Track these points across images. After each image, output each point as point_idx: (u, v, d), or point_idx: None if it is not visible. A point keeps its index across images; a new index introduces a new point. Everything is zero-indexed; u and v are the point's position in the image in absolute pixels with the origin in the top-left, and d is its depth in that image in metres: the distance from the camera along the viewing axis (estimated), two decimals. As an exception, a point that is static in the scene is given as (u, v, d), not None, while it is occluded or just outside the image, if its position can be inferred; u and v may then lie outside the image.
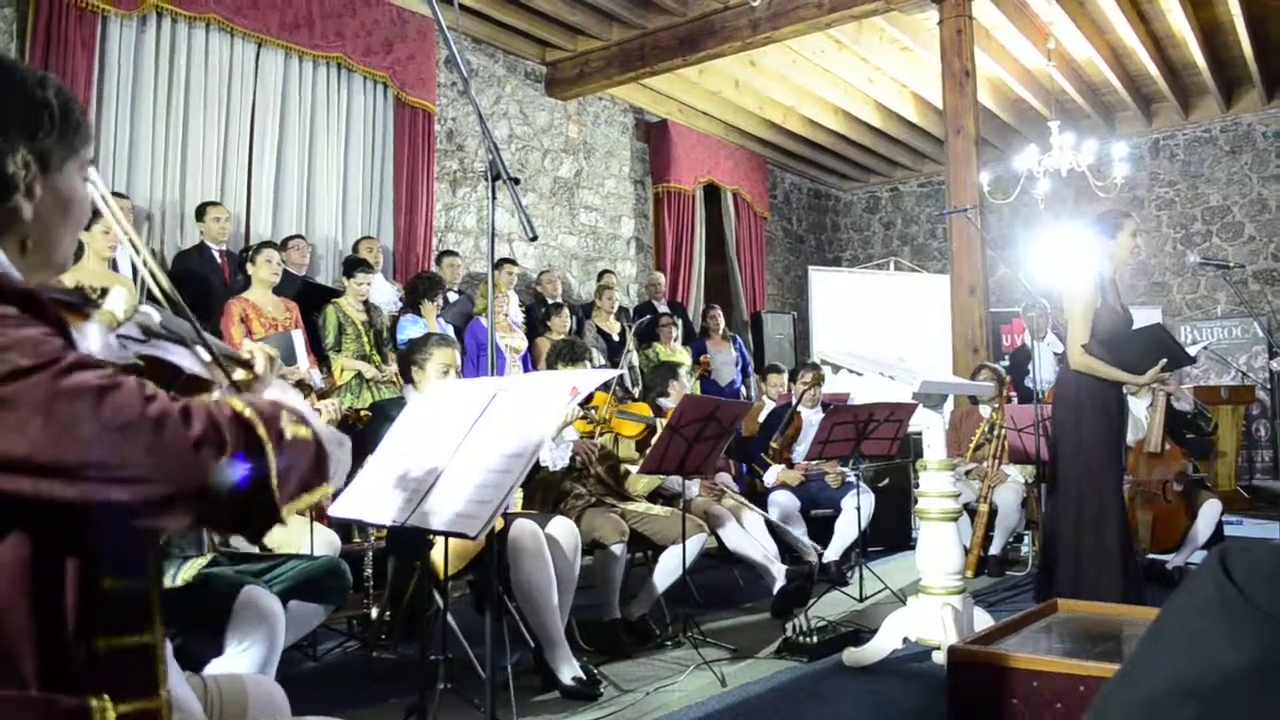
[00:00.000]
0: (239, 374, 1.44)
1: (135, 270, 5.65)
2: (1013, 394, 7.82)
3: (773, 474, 5.96)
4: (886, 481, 6.64)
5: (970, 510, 5.93)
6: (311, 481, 1.13)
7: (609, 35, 8.91)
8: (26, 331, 0.99)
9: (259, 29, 6.94)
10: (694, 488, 4.95)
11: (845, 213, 14.30)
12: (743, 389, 9.13)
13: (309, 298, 6.23)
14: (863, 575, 5.27)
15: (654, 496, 4.78)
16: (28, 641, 1.00)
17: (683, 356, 8.25)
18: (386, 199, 7.93)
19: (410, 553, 3.57)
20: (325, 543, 3.87)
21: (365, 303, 6.27)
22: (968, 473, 6.21)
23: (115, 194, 5.86)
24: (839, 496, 5.83)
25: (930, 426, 3.81)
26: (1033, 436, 5.65)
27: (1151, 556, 5.69)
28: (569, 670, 3.50)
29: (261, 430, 1.05)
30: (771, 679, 3.73)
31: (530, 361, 7.24)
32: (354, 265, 6.34)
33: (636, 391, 5.17)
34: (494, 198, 2.70)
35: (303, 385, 4.17)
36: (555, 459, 4.07)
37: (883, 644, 3.78)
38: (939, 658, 3.54)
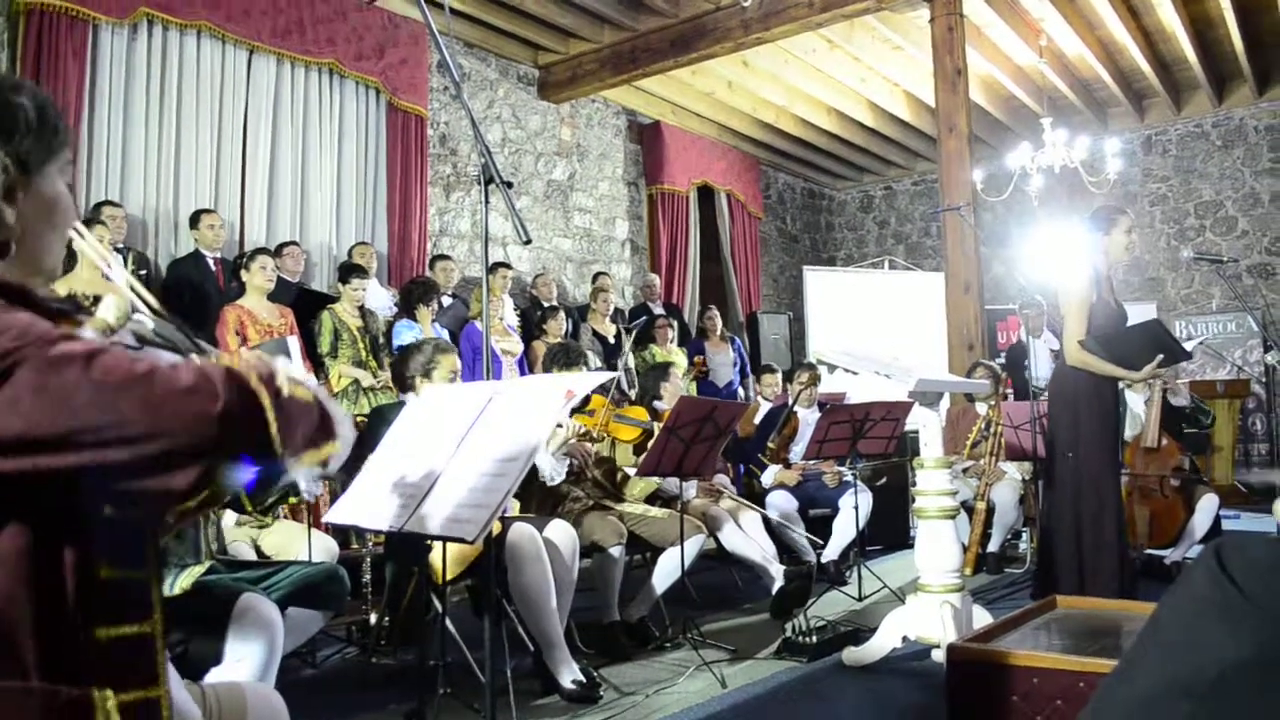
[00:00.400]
0: None
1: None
2: (1009, 391, 7.83)
3: (770, 474, 5.96)
4: (884, 480, 6.64)
5: (968, 508, 5.93)
6: (319, 438, 1.13)
7: (601, 38, 8.91)
8: (14, 316, 1.00)
9: (250, 35, 6.94)
10: (691, 489, 4.95)
11: (839, 212, 14.32)
12: (741, 390, 9.13)
13: (304, 304, 6.22)
14: (861, 574, 5.27)
15: (652, 498, 4.79)
16: (28, 632, 1.01)
17: (678, 358, 8.25)
18: (380, 204, 7.93)
19: (408, 558, 3.57)
20: (323, 549, 3.87)
21: (360, 308, 6.27)
22: (965, 470, 6.22)
23: (108, 202, 5.87)
24: (837, 496, 5.83)
25: (927, 425, 3.81)
26: (1029, 433, 5.66)
27: (1149, 551, 5.69)
28: (569, 673, 3.50)
29: (254, 382, 1.05)
30: (771, 679, 3.73)
31: (526, 365, 7.23)
32: (349, 271, 6.34)
33: (633, 394, 5.17)
34: (487, 202, 2.70)
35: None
36: (553, 473, 4.06)
37: (882, 643, 3.78)
38: (938, 656, 3.54)
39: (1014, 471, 6.25)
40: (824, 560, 5.75)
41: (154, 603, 1.14)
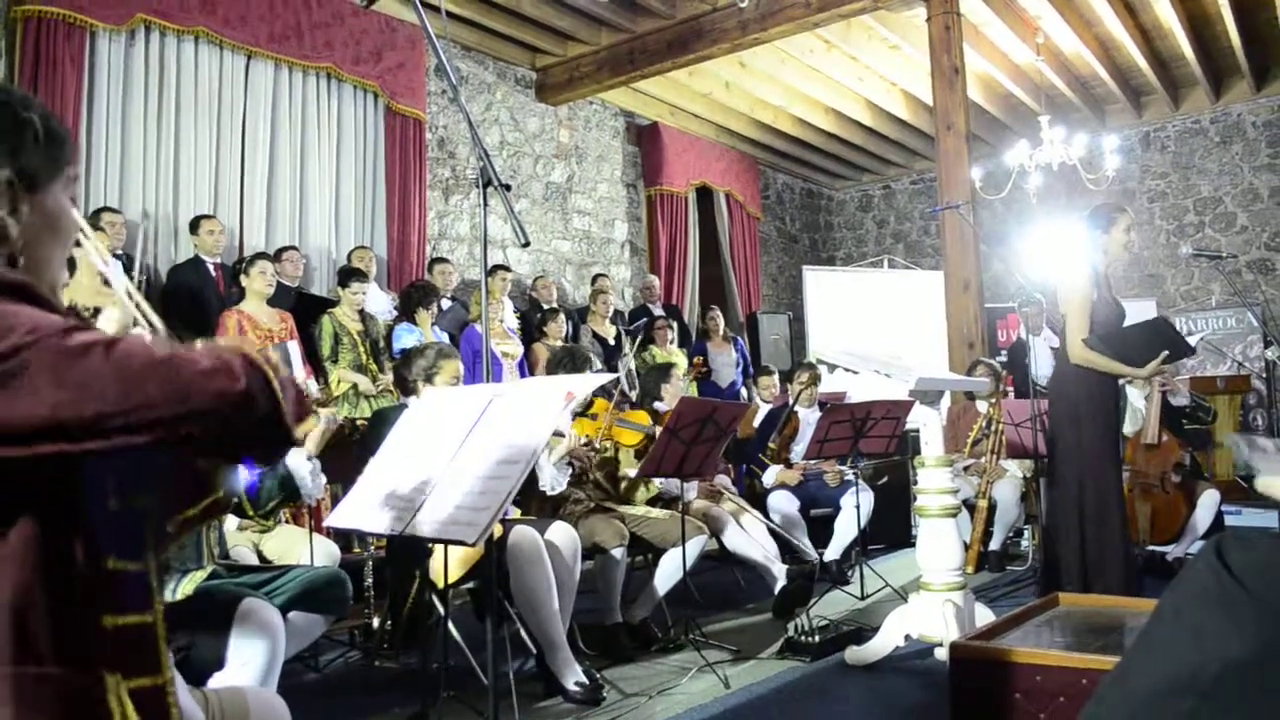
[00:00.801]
0: None
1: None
2: (1009, 389, 7.83)
3: (771, 474, 5.96)
4: (885, 479, 6.64)
5: (969, 506, 5.93)
6: (302, 412, 1.17)
7: (598, 40, 8.92)
8: (25, 310, 1.03)
9: (248, 41, 6.94)
10: (693, 490, 4.95)
11: (838, 211, 14.32)
12: (743, 390, 9.13)
13: (304, 308, 6.22)
14: (863, 573, 5.27)
15: (653, 500, 4.78)
16: (42, 620, 1.04)
17: (679, 359, 8.25)
18: (379, 208, 7.93)
19: (410, 561, 3.57)
20: (325, 553, 3.87)
21: (360, 312, 6.27)
22: (966, 469, 6.22)
23: (107, 209, 5.87)
24: (838, 495, 5.83)
25: (927, 423, 3.81)
26: (1030, 431, 5.65)
27: (1151, 548, 5.69)
28: (572, 675, 3.50)
29: (260, 361, 1.10)
30: (774, 679, 3.73)
31: (527, 368, 7.23)
32: (348, 275, 6.34)
33: (634, 395, 5.17)
34: (486, 204, 2.70)
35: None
36: (554, 483, 4.06)
37: (885, 642, 3.78)
38: (941, 654, 3.54)
39: (1015, 469, 6.25)
40: (826, 559, 5.75)
41: (154, 593, 1.19)
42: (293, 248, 6.83)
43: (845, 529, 5.73)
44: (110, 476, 1.11)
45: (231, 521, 3.74)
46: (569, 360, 4.66)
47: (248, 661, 2.42)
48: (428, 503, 2.32)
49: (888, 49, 9.35)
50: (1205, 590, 0.90)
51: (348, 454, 3.60)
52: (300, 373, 5.28)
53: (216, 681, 2.34)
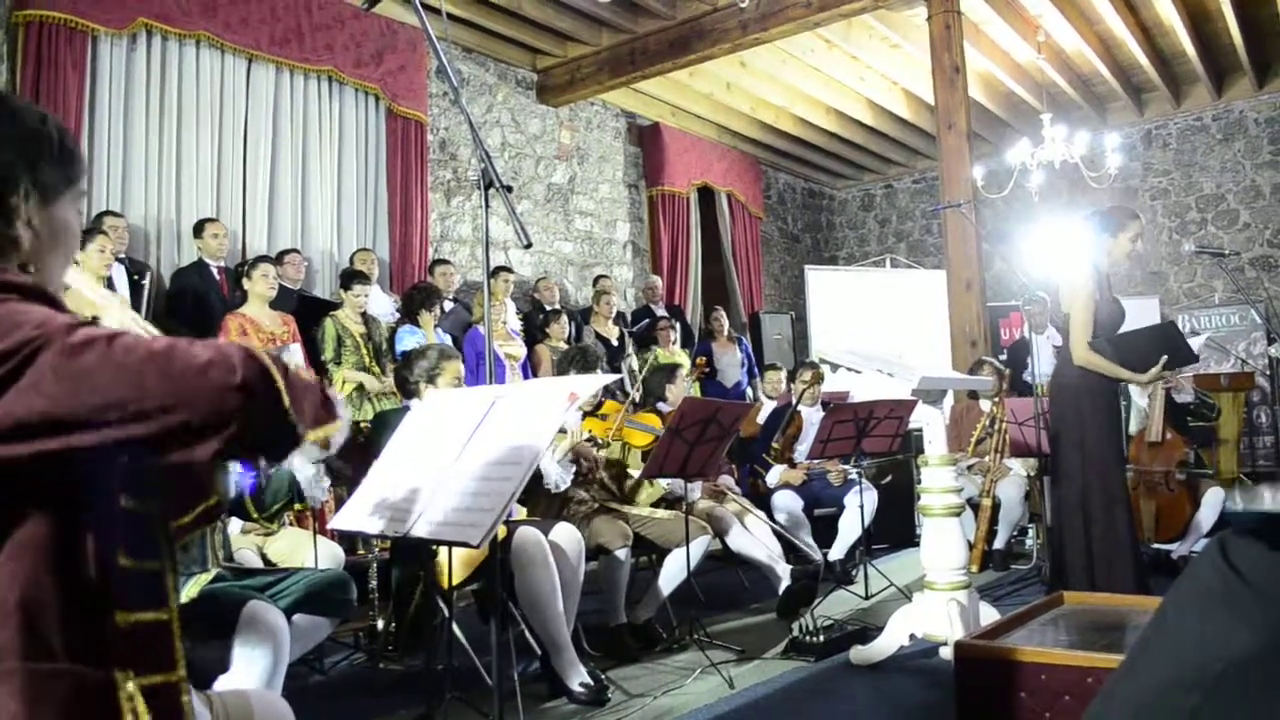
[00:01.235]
0: None
1: (131, 289, 5.66)
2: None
3: (775, 474, 5.96)
4: (889, 479, 6.64)
5: (973, 505, 5.92)
6: (323, 415, 1.18)
7: (599, 40, 8.92)
8: (32, 308, 1.04)
9: (249, 44, 6.95)
10: (696, 491, 4.95)
11: (840, 211, 14.31)
12: (749, 390, 9.12)
13: (306, 311, 6.22)
14: (868, 573, 5.27)
15: (657, 501, 4.78)
16: (55, 617, 1.05)
17: (681, 359, 8.25)
18: (381, 210, 7.93)
19: (414, 563, 3.57)
20: (329, 555, 3.87)
21: (363, 314, 6.27)
22: (970, 468, 6.21)
23: (110, 213, 5.88)
24: (842, 494, 5.83)
25: (931, 422, 3.81)
26: (1034, 429, 5.65)
27: (1156, 546, 5.69)
28: (576, 676, 3.50)
29: (266, 360, 1.10)
30: (779, 679, 3.73)
31: (530, 369, 7.23)
32: (350, 277, 6.34)
33: (637, 396, 5.17)
34: (488, 206, 2.70)
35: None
36: (559, 480, 4.06)
37: (889, 641, 3.78)
38: (946, 653, 3.54)
39: (1019, 468, 6.24)
40: (830, 559, 5.74)
41: (169, 592, 1.19)
42: (294, 250, 6.83)
43: (849, 528, 5.73)
44: (120, 474, 1.12)
45: (236, 524, 3.75)
46: (581, 359, 4.68)
47: (252, 664, 2.42)
48: (432, 504, 2.32)
49: (888, 48, 9.34)
50: (1210, 588, 0.90)
51: (352, 456, 3.60)
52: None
53: (221, 684, 2.35)
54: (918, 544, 4.13)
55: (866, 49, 9.30)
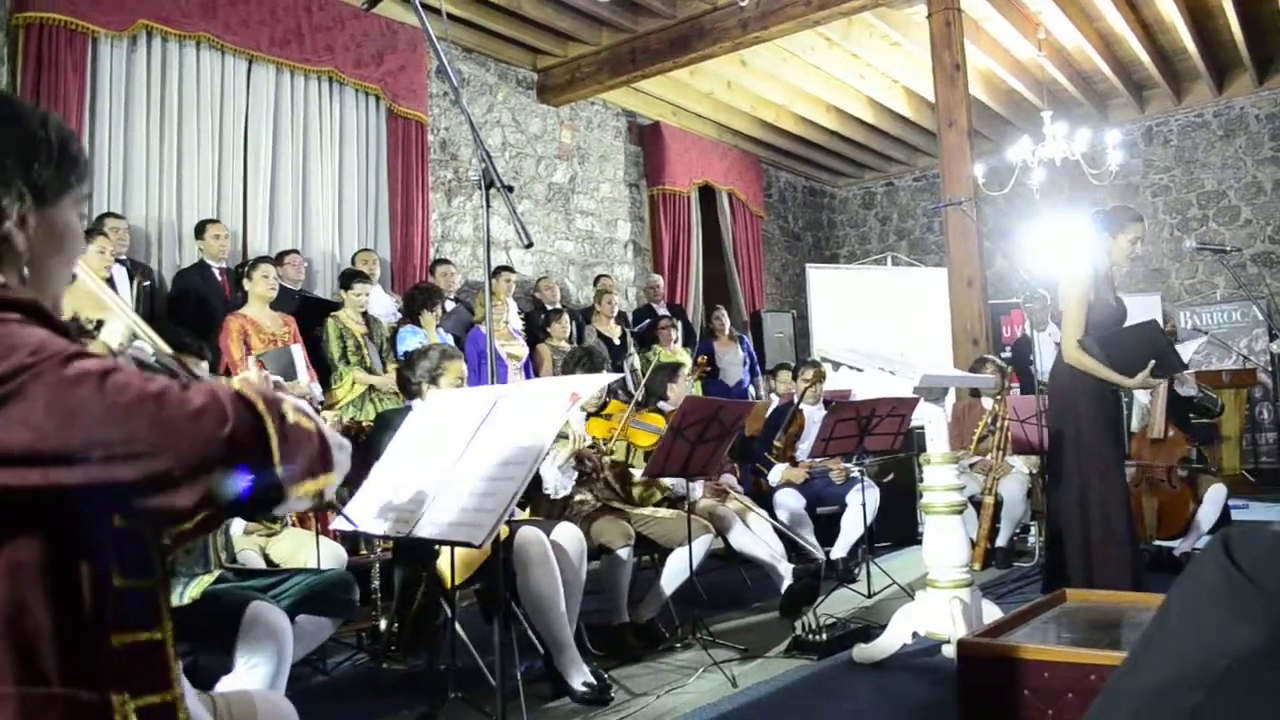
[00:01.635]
0: None
1: (132, 290, 5.66)
2: (1015, 384, 7.82)
3: (777, 473, 5.96)
4: (891, 477, 6.63)
5: (975, 503, 5.92)
6: (317, 468, 1.15)
7: (599, 40, 8.92)
8: (31, 331, 1.02)
9: (249, 45, 6.95)
10: (698, 490, 4.95)
11: (841, 209, 14.31)
12: (751, 389, 9.12)
13: (308, 312, 6.22)
14: (870, 571, 5.27)
15: (660, 502, 4.78)
16: (48, 640, 1.04)
17: (683, 358, 8.25)
18: (382, 211, 7.94)
19: (417, 563, 3.57)
20: (332, 556, 3.87)
21: (364, 315, 6.27)
22: (972, 465, 6.21)
23: (111, 214, 5.88)
24: (844, 493, 5.82)
25: (933, 420, 3.81)
26: (1036, 427, 5.64)
27: (1158, 543, 5.68)
28: (579, 676, 3.50)
29: (261, 406, 1.08)
30: (782, 678, 3.72)
31: (532, 369, 7.23)
32: (350, 277, 6.33)
33: (640, 395, 5.16)
34: (489, 206, 2.70)
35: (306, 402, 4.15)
36: (559, 486, 4.06)
37: (892, 639, 3.77)
38: (949, 651, 3.54)
39: (1021, 465, 6.24)
40: (832, 557, 5.74)
41: (163, 610, 1.18)
42: (295, 251, 6.83)
43: (851, 527, 5.73)
44: (114, 495, 1.10)
45: (238, 525, 3.75)
46: (587, 360, 4.68)
47: (255, 665, 2.42)
48: (434, 505, 2.32)
49: (889, 46, 9.34)
50: (1212, 585, 0.90)
51: (354, 456, 3.60)
52: (304, 376, 5.29)
53: (224, 685, 2.35)
54: (920, 542, 4.13)
55: (867, 47, 9.30)
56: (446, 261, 7.78)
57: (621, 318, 8.86)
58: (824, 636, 4.02)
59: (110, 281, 5.28)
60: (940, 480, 3.71)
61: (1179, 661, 0.88)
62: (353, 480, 2.61)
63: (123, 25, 6.25)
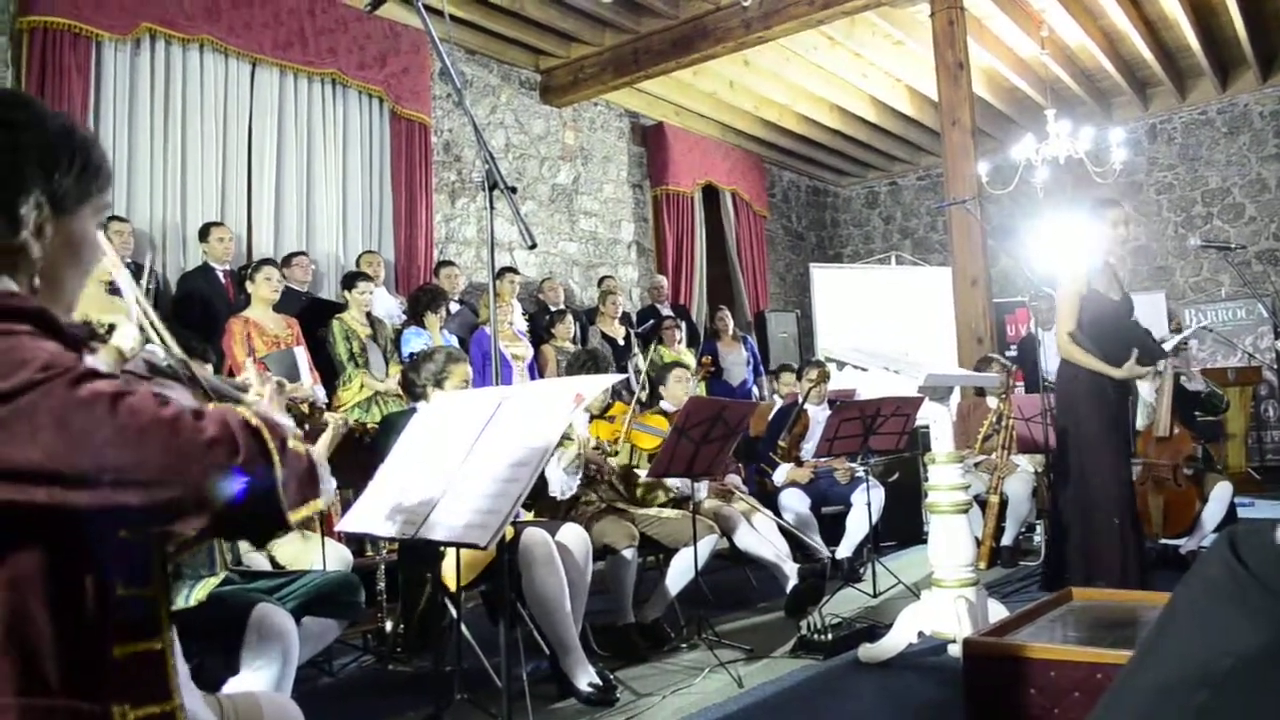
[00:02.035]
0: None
1: (147, 293, 5.65)
2: (1019, 383, 7.81)
3: (782, 472, 5.96)
4: (896, 476, 6.63)
5: (981, 502, 5.92)
6: (308, 494, 1.16)
7: (602, 41, 8.93)
8: (42, 345, 1.02)
9: (253, 48, 6.96)
10: (703, 490, 4.95)
11: (844, 209, 14.30)
12: (755, 389, 9.12)
13: (313, 314, 6.22)
14: (875, 571, 5.26)
15: (665, 503, 4.78)
16: (50, 651, 1.03)
17: (687, 358, 8.25)
18: (386, 212, 7.95)
19: (422, 565, 3.57)
20: (337, 558, 3.87)
21: (369, 316, 6.27)
22: (977, 464, 6.20)
23: (115, 217, 5.89)
24: (849, 492, 5.82)
25: (937, 419, 3.80)
26: (1040, 426, 5.64)
27: (1164, 541, 5.67)
28: (585, 676, 3.50)
29: (268, 436, 1.08)
30: (788, 678, 3.72)
31: (536, 370, 7.23)
32: (353, 277, 6.33)
33: (643, 395, 5.16)
34: (492, 207, 2.71)
35: (310, 404, 4.17)
36: (564, 488, 4.05)
37: (898, 639, 3.77)
38: (955, 651, 3.53)
39: (1026, 464, 6.23)
40: (838, 557, 5.74)
41: (163, 619, 1.17)
42: (301, 253, 6.85)
43: (856, 526, 5.73)
44: (118, 520, 1.10)
45: (243, 527, 3.74)
46: (591, 362, 4.68)
47: (261, 667, 2.42)
48: (439, 506, 2.32)
49: (892, 45, 9.33)
50: (1218, 583, 0.90)
51: (359, 458, 3.61)
52: (307, 378, 5.29)
53: (230, 687, 2.35)
54: (925, 541, 4.12)
55: (870, 46, 9.30)
56: (451, 263, 7.79)
57: (625, 318, 8.86)
58: (829, 636, 4.01)
59: (111, 284, 5.28)
60: (945, 479, 3.71)
61: (1184, 660, 0.88)
62: (359, 482, 2.62)
63: (126, 29, 6.27)
